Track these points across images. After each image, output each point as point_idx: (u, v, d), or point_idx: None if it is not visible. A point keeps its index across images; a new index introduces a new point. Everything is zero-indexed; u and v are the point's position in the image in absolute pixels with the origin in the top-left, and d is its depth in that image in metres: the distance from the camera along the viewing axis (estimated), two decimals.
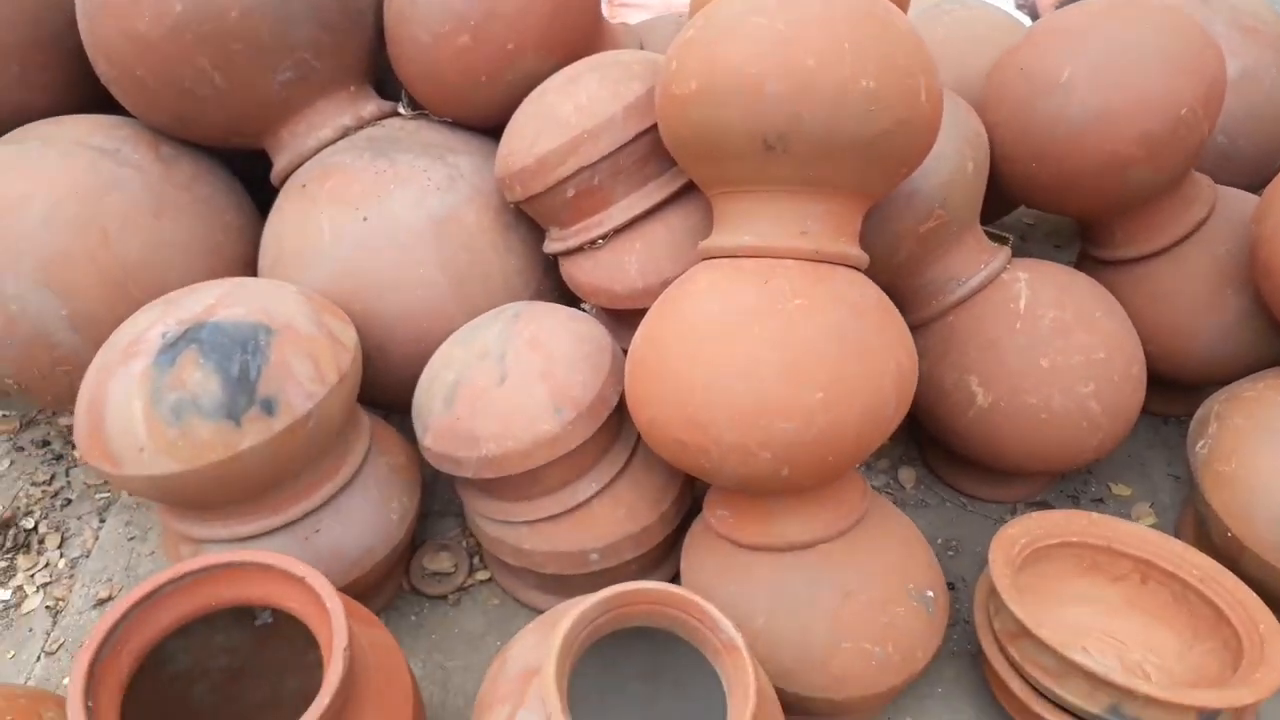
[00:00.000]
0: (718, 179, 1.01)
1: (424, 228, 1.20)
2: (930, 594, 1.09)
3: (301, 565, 0.88)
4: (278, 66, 1.21)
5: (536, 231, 1.28)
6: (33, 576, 1.29)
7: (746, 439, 0.93)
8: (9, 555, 1.32)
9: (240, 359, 1.00)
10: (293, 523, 1.08)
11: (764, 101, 0.91)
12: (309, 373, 1.03)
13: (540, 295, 1.29)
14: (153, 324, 1.03)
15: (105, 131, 1.29)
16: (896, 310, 1.02)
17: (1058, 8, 2.36)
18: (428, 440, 1.11)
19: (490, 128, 1.32)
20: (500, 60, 1.21)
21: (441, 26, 1.19)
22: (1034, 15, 2.35)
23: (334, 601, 0.85)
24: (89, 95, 1.41)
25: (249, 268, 1.35)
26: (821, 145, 0.93)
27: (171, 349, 1.00)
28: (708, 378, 0.93)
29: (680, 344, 0.96)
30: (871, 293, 1.00)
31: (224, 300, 1.05)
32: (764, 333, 0.93)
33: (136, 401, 0.98)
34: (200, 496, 1.02)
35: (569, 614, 0.84)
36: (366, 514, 1.12)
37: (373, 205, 1.20)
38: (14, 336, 1.22)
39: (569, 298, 1.31)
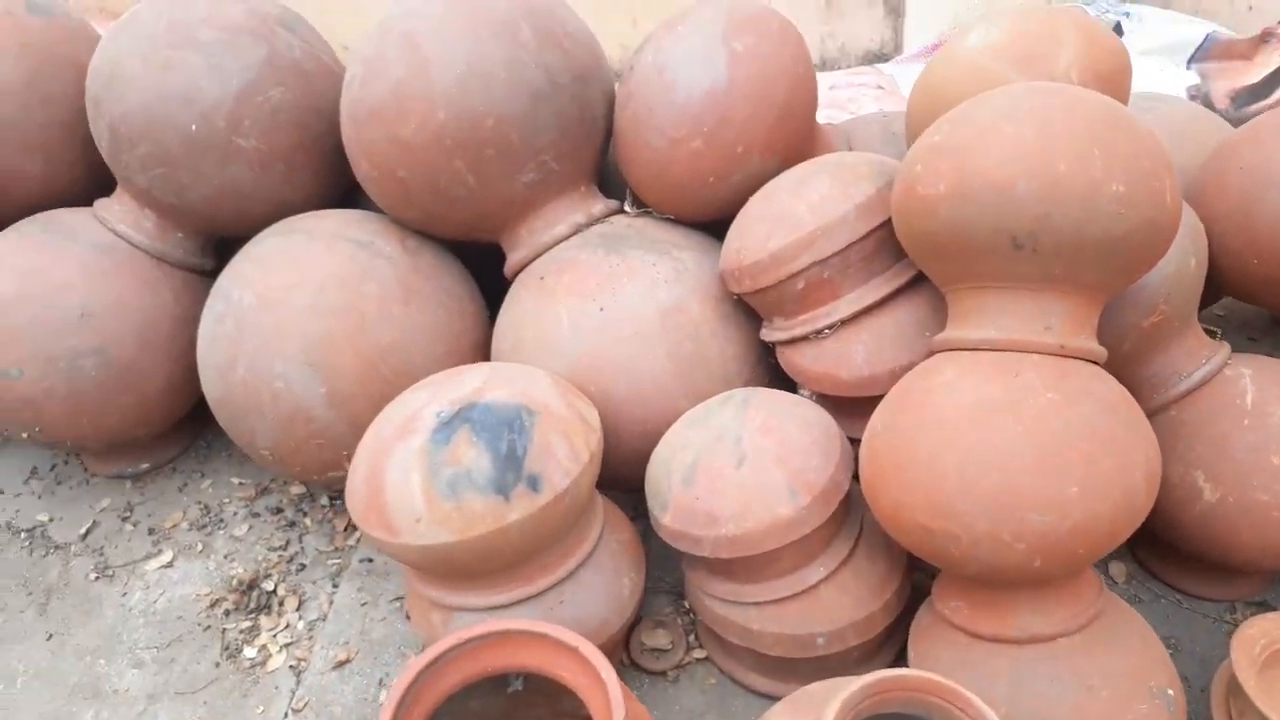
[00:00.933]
0: (960, 275, 1.05)
1: (654, 318, 1.27)
2: (1170, 692, 1.07)
3: (575, 636, 0.93)
4: (523, 169, 1.32)
5: (753, 321, 1.34)
6: (275, 636, 1.38)
7: (999, 529, 0.95)
8: (253, 615, 1.41)
9: (508, 438, 1.07)
10: (540, 594, 1.14)
11: (1015, 203, 0.95)
12: (566, 451, 1.09)
13: (754, 381, 1.34)
14: (425, 404, 1.12)
15: (360, 226, 1.42)
16: (1138, 404, 1.04)
17: (1233, 100, 2.35)
18: (666, 518, 1.16)
19: (709, 223, 1.40)
20: (729, 162, 1.29)
21: (677, 132, 1.28)
22: (1208, 105, 2.34)
23: (610, 673, 0.90)
24: (335, 191, 1.56)
25: (482, 352, 1.45)
26: (1069, 245, 0.96)
27: (446, 427, 1.08)
28: (959, 467, 0.96)
29: (928, 433, 0.99)
30: (1115, 387, 1.02)
31: (489, 383, 1.13)
32: (1017, 425, 0.95)
33: (415, 475, 1.06)
34: (463, 566, 1.09)
35: (835, 696, 0.87)
36: (603, 587, 1.18)
37: (607, 297, 1.28)
38: (277, 410, 1.33)
39: (780, 383, 1.36)
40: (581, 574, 1.17)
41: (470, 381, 1.14)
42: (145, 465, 1.65)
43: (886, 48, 3.29)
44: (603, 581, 1.18)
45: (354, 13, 2.22)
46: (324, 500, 1.59)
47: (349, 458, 1.39)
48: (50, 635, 1.42)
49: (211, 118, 1.37)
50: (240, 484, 1.63)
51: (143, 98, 1.36)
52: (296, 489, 1.61)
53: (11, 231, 1.48)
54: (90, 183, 1.60)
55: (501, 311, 1.40)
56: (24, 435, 1.49)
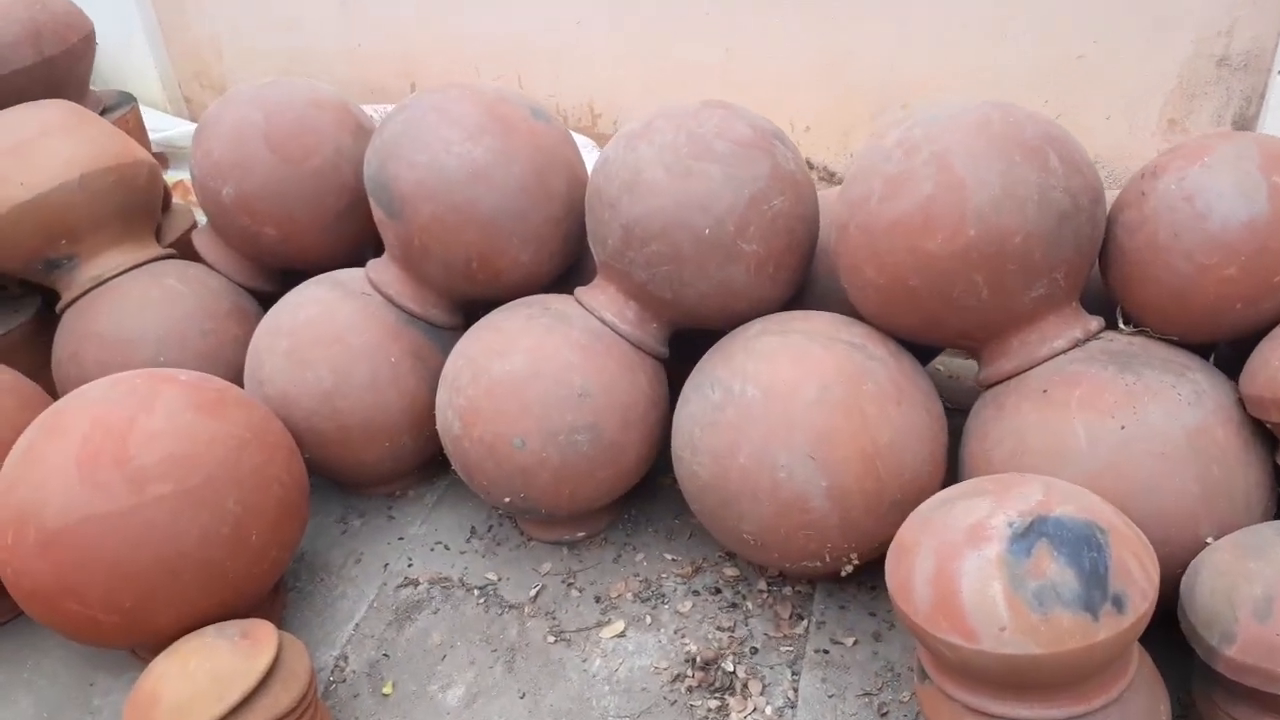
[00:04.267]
0: None
1: (1179, 439, 1.28)
2: None
3: None
4: (1035, 284, 1.36)
5: (1269, 445, 1.33)
6: (747, 719, 1.42)
7: None
8: (719, 695, 1.46)
9: (1088, 555, 1.09)
10: (1090, 713, 1.13)
11: None
12: (1139, 571, 1.10)
13: (1272, 509, 1.32)
14: (990, 512, 1.15)
15: (848, 329, 1.49)
16: None
17: None
18: (1231, 650, 1.14)
19: (1203, 346, 1.41)
20: (1262, 290, 1.29)
21: (1208, 259, 1.30)
22: None
23: None
24: (795, 290, 1.64)
25: (950, 455, 1.49)
26: None
27: (1024, 539, 1.11)
28: None
29: None
30: None
31: (1052, 496, 1.16)
32: None
33: (996, 584, 1.09)
34: (1038, 679, 1.10)
35: None
36: (1144, 712, 1.16)
37: (1127, 415, 1.29)
38: (775, 498, 1.40)
39: None
40: (1128, 695, 1.16)
41: (1031, 493, 1.17)
42: (581, 534, 1.75)
43: None
44: (1144, 704, 1.17)
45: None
46: (760, 585, 1.64)
47: (831, 550, 1.44)
48: (523, 694, 1.51)
49: (724, 222, 1.48)
50: (673, 560, 1.71)
51: (663, 202, 1.48)
52: (730, 570, 1.67)
53: (516, 314, 1.63)
54: (563, 269, 1.76)
55: (993, 419, 1.44)
56: (506, 499, 1.61)
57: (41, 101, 1.88)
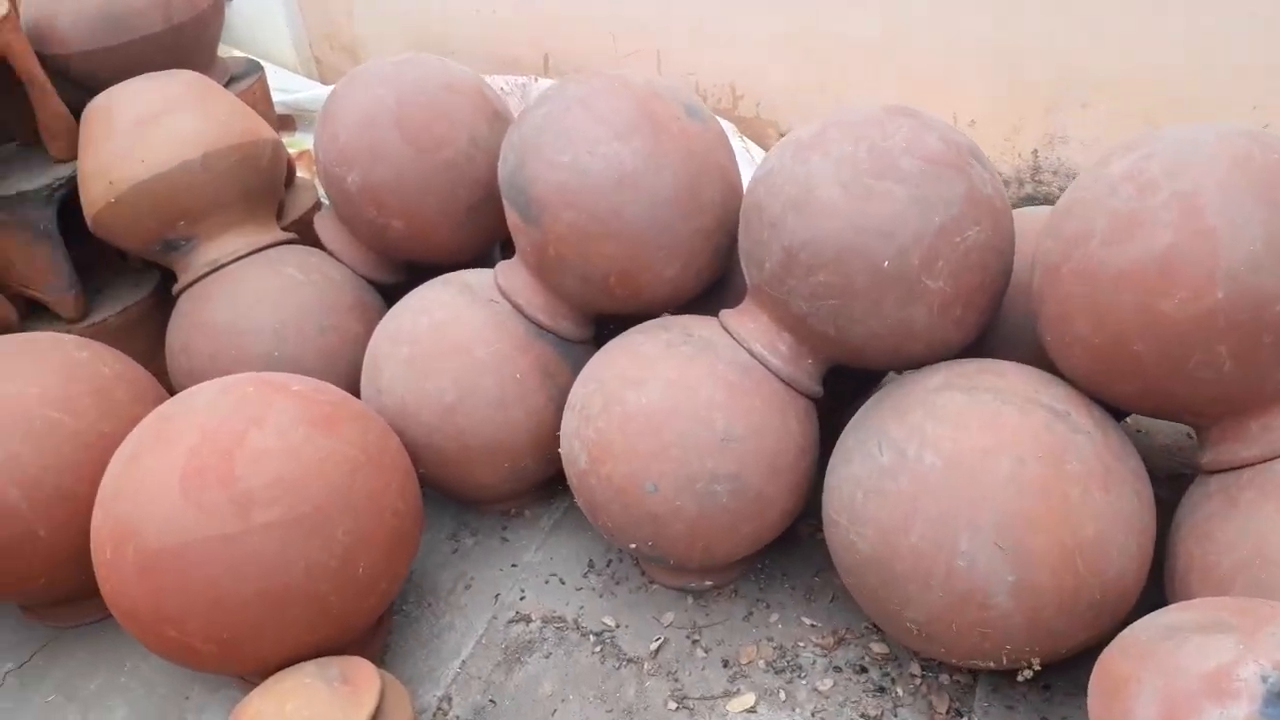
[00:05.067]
0: None
1: None
2: None
3: None
4: None
5: None
6: None
7: None
8: None
9: None
10: None
11: None
12: None
13: None
14: (1238, 657, 0.93)
15: (1050, 390, 1.27)
16: None
17: None
18: None
19: None
20: None
21: None
22: None
23: None
24: (980, 335, 1.42)
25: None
26: None
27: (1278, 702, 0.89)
28: None
29: None
30: None
31: None
32: None
33: None
34: None
35: None
36: None
37: None
38: (948, 588, 1.20)
39: None
40: None
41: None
42: (709, 584, 1.59)
43: None
44: None
45: None
46: (913, 668, 1.44)
47: (1009, 652, 1.23)
48: None
49: (908, 254, 1.27)
50: (813, 626, 1.52)
51: (836, 225, 1.28)
52: (878, 646, 1.48)
53: (654, 339, 1.46)
54: (709, 286, 1.58)
55: (1206, 515, 1.20)
56: (632, 545, 1.45)
57: (168, 72, 1.79)
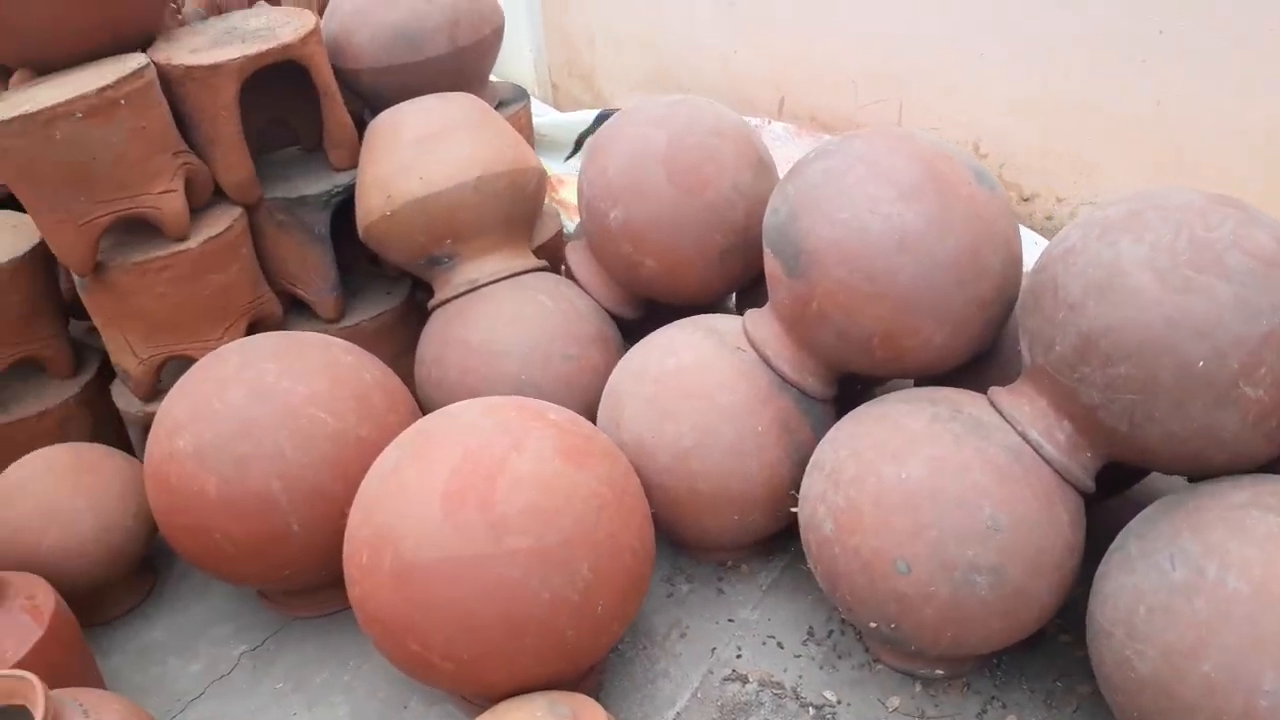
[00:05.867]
0: None
1: None
2: None
3: None
4: None
5: None
6: None
7: None
8: None
9: None
10: None
11: None
12: None
13: None
14: None
15: None
16: None
17: None
18: None
19: None
20: None
21: None
22: None
23: None
24: None
25: None
26: None
27: None
28: None
29: None
30: None
31: None
32: None
33: None
34: None
35: None
36: None
37: None
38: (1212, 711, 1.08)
39: None
40: None
41: None
42: (939, 672, 1.50)
43: None
44: None
45: None
46: None
47: None
48: None
49: (1226, 357, 1.16)
50: None
51: (1146, 317, 1.18)
52: None
53: (918, 411, 1.39)
54: (976, 356, 1.51)
55: None
56: (871, 624, 1.39)
57: (451, 95, 1.86)
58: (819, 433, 1.58)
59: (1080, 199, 2.58)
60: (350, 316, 2.01)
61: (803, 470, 1.55)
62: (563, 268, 1.98)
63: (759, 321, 1.61)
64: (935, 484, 1.31)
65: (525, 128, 2.24)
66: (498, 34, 2.04)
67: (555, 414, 1.44)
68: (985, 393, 1.45)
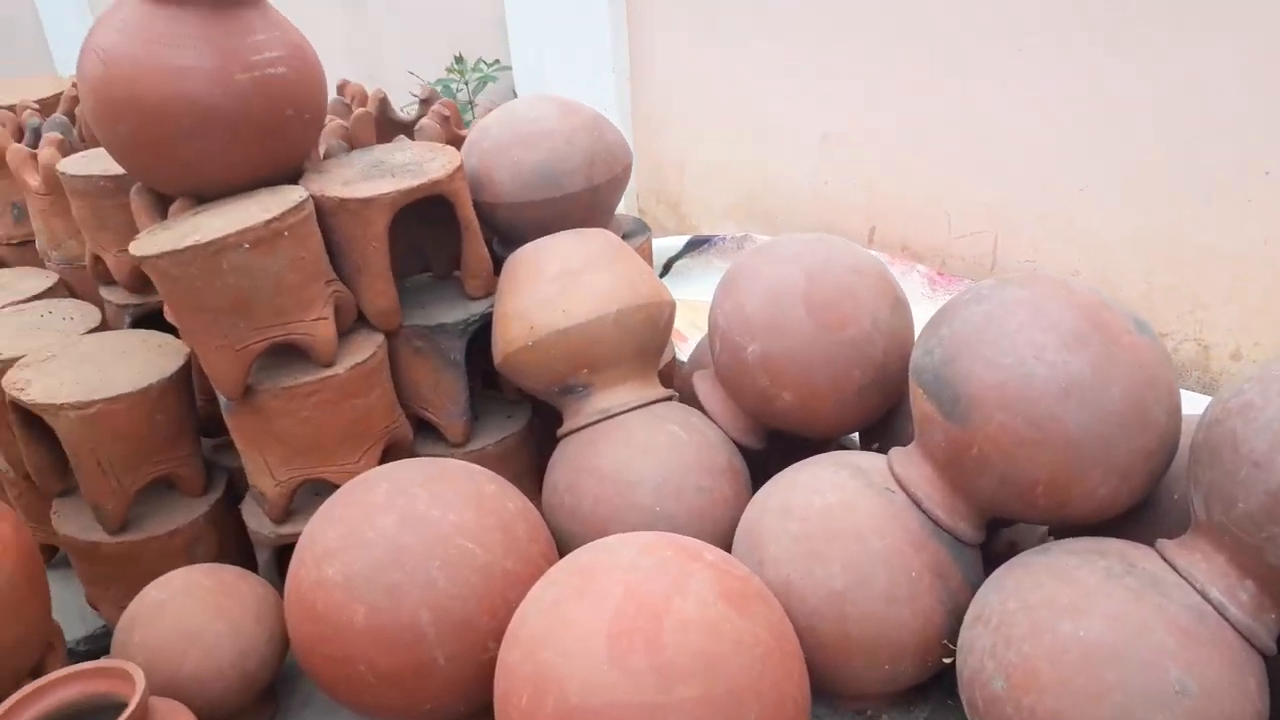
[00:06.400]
0: None
1: None
2: None
3: None
4: None
5: None
6: None
7: None
8: None
9: None
10: None
11: None
12: None
13: None
14: None
15: None
16: None
17: None
18: None
19: None
20: None
21: None
22: None
23: None
24: None
25: None
26: None
27: None
28: None
29: None
30: None
31: None
32: None
33: None
34: None
35: None
36: None
37: None
38: None
39: None
40: None
41: None
42: None
43: None
44: None
45: None
46: None
47: None
48: None
49: None
50: None
51: None
52: None
53: (1089, 564, 1.36)
54: (1136, 507, 1.48)
55: None
56: None
57: (589, 231, 1.92)
58: (970, 580, 1.55)
59: (1184, 335, 2.57)
60: (474, 440, 2.03)
61: (955, 619, 1.52)
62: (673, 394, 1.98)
63: (907, 462, 1.60)
64: (1116, 643, 1.27)
65: (647, 259, 2.29)
66: (628, 171, 2.11)
67: (711, 554, 1.43)
68: (1145, 543, 1.42)
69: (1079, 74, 2.58)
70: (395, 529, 1.52)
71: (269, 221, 1.63)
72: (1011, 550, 1.96)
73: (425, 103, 2.59)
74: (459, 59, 3.89)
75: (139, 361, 1.89)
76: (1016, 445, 1.41)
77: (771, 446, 1.94)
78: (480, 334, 1.97)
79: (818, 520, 1.57)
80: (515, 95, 3.84)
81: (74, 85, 3.05)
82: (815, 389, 1.73)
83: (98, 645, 2.05)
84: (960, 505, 1.55)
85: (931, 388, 1.50)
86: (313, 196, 1.76)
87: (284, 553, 1.90)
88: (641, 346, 1.85)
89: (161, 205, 1.90)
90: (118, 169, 2.01)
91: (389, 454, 1.89)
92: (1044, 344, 1.40)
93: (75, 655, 1.94)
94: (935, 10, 2.83)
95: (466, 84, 3.83)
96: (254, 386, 1.73)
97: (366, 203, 1.76)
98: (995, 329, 1.44)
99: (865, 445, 1.98)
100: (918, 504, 1.56)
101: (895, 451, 1.63)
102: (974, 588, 1.54)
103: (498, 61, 3.93)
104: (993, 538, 1.78)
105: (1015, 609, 1.38)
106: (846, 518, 1.55)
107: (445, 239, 2.03)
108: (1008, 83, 2.76)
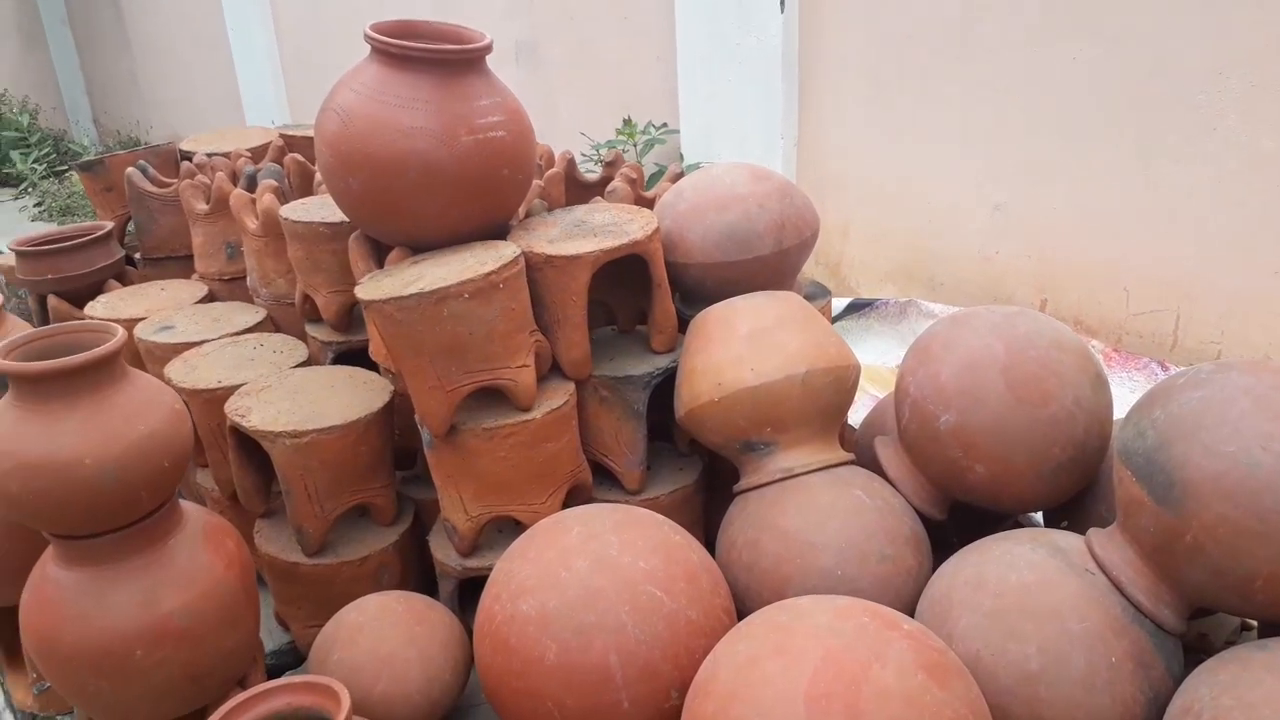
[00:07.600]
0: None
1: None
2: None
3: None
4: None
5: None
6: None
7: None
8: None
9: None
10: None
11: None
12: None
13: None
14: None
15: None
16: None
17: None
18: None
19: None
20: None
21: None
22: None
23: None
24: None
25: None
26: None
27: None
28: None
29: None
30: None
31: None
32: None
33: None
34: None
35: None
36: None
37: None
38: None
39: None
40: None
41: None
42: None
43: None
44: None
45: None
46: None
47: None
48: None
49: None
50: None
51: None
52: None
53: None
54: None
55: None
56: None
57: (778, 293, 1.96)
58: (1173, 671, 1.49)
59: None
60: (648, 489, 2.08)
61: (1155, 710, 1.46)
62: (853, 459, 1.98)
63: (1108, 544, 1.55)
64: None
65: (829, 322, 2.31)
66: (815, 235, 2.15)
67: (908, 625, 1.42)
68: None
69: (1275, 155, 2.49)
70: (588, 571, 1.57)
71: (488, 274, 1.73)
72: (1202, 641, 1.87)
73: (610, 165, 2.70)
74: (628, 121, 4.03)
75: (347, 395, 2.02)
76: (1236, 536, 1.36)
77: (949, 518, 1.92)
78: (658, 386, 2.02)
79: (1014, 596, 1.53)
80: (681, 158, 3.95)
81: (281, 136, 3.31)
82: (1011, 465, 1.70)
83: (280, 661, 2.17)
84: (1166, 593, 1.50)
85: (1143, 471, 1.47)
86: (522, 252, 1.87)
87: (464, 585, 1.98)
88: (826, 408, 1.86)
89: (377, 253, 2.04)
90: (335, 216, 2.17)
91: (571, 497, 1.96)
92: (1272, 434, 1.35)
93: None
94: (1121, 86, 2.79)
95: (634, 145, 3.97)
96: (457, 426, 1.83)
97: (572, 260, 1.85)
98: (1215, 415, 1.40)
99: (1049, 523, 1.93)
100: (1119, 588, 1.51)
101: (1095, 532, 1.59)
102: (1176, 679, 1.48)
103: (665, 125, 4.06)
104: None
105: (1231, 705, 1.31)
106: (1045, 597, 1.52)
107: (631, 295, 2.11)
108: (1197, 161, 2.69)
